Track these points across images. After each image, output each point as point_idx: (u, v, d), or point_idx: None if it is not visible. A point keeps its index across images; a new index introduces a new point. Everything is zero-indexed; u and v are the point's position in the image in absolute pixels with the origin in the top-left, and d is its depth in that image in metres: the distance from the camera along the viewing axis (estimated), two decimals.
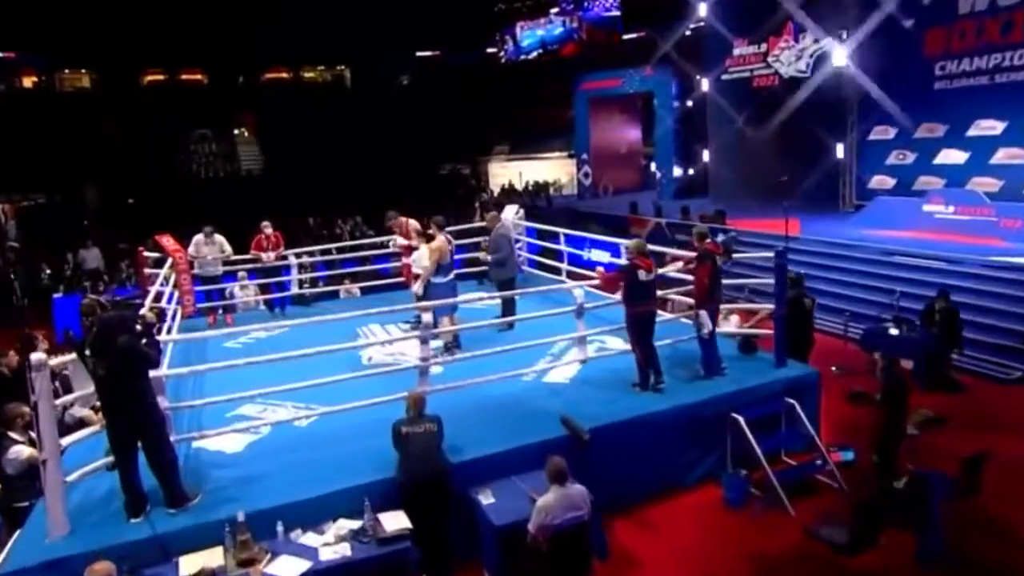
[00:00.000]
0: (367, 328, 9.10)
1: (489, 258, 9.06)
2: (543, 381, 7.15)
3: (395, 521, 4.93)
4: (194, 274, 9.57)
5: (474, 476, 5.53)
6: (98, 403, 5.78)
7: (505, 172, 31.67)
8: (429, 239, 8.32)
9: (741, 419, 6.40)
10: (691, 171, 20.95)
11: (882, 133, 15.37)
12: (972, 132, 13.63)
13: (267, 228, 10.12)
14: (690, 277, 7.70)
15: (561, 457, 4.91)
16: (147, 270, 9.48)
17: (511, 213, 10.69)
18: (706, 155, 20.46)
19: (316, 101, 32.38)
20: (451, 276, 8.05)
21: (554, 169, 30.29)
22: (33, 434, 5.42)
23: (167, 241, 9.47)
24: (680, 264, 7.43)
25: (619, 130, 24.51)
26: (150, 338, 4.83)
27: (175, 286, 9.14)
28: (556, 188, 28.20)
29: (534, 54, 31.25)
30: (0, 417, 5.48)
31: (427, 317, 6.19)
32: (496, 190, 28.69)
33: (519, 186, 28.56)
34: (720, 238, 7.58)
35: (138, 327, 4.76)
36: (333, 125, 29.61)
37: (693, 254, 7.33)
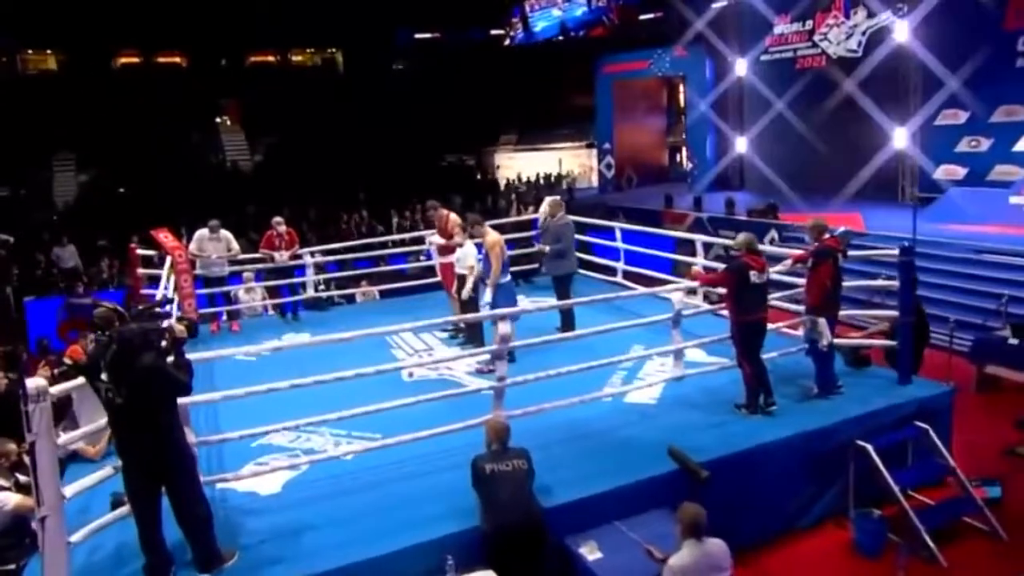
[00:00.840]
0: (399, 338, 8.33)
1: (547, 249, 8.32)
2: (625, 402, 6.41)
3: None
4: (196, 274, 8.82)
5: (569, 523, 4.81)
6: (101, 442, 5.03)
7: (512, 163, 30.84)
8: (471, 237, 7.66)
9: (870, 447, 5.70)
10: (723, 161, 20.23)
11: (951, 118, 14.63)
12: None
13: (280, 225, 9.43)
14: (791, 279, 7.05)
15: (698, 504, 4.16)
16: (140, 270, 8.73)
17: None
18: (740, 144, 19.77)
19: (306, 87, 31.58)
20: (509, 276, 7.31)
21: (566, 160, 29.51)
22: (21, 477, 4.63)
23: (165, 236, 8.68)
24: (789, 263, 6.68)
25: (644, 117, 23.69)
26: (180, 357, 4.02)
27: (175, 288, 8.34)
28: (570, 181, 27.42)
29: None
30: None
31: (504, 327, 5.40)
32: (502, 182, 27.88)
33: (534, 179, 27.76)
34: (838, 232, 6.85)
35: (164, 343, 3.95)
36: (325, 113, 28.70)
37: (798, 252, 6.69)
